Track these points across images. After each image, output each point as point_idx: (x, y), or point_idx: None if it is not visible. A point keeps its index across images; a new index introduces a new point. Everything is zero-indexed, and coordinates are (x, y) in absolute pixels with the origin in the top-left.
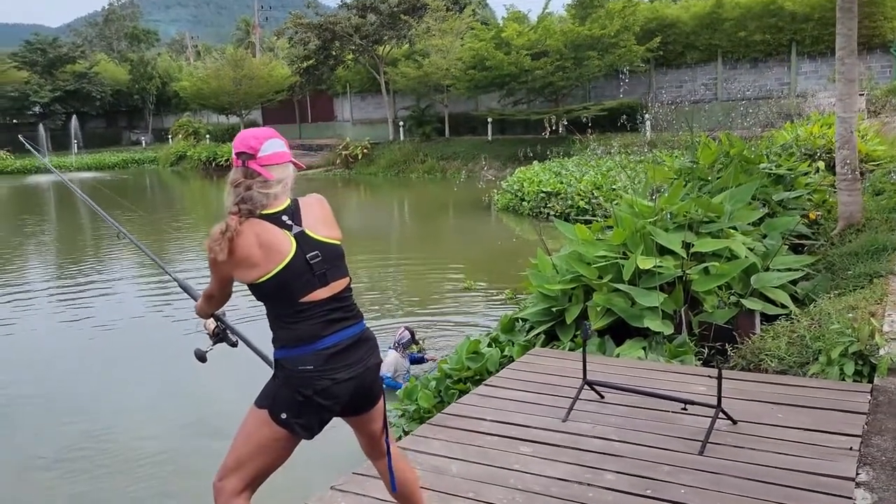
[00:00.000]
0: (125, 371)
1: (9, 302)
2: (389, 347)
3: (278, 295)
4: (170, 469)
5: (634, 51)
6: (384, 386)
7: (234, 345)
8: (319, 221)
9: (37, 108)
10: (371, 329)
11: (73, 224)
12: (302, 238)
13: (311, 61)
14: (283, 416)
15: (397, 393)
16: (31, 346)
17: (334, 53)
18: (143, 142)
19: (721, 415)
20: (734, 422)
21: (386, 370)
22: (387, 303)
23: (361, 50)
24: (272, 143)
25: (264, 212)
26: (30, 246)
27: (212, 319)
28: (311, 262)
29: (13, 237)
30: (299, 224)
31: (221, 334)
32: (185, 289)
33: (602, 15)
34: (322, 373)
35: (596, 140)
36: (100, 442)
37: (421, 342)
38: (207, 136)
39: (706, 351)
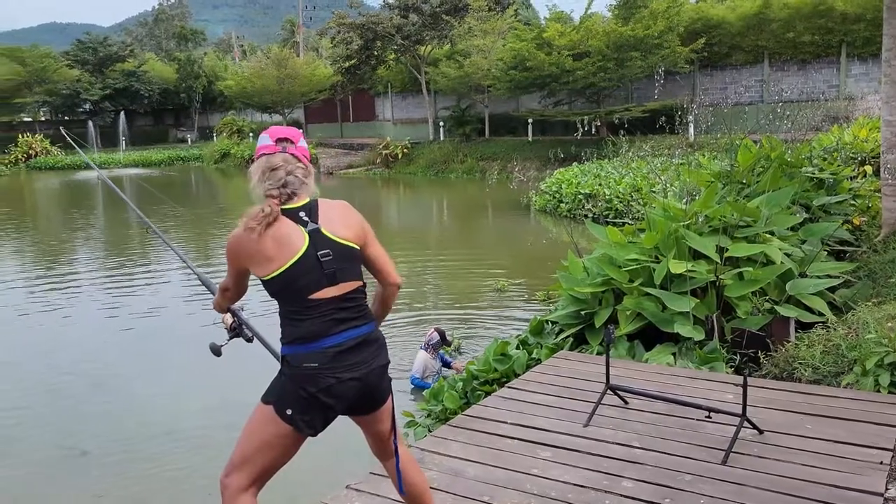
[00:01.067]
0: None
1: (55, 290)
2: (420, 348)
3: (287, 290)
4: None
5: (678, 52)
6: (412, 386)
7: (249, 340)
8: (337, 222)
9: (87, 106)
10: (381, 331)
11: (118, 218)
12: (316, 235)
13: (353, 61)
14: (289, 412)
15: (424, 393)
16: (80, 331)
17: (376, 53)
18: (189, 139)
19: (746, 424)
20: (760, 431)
21: (414, 370)
22: (420, 301)
23: (403, 50)
24: (302, 141)
25: (284, 206)
26: (77, 238)
27: (229, 315)
28: (322, 259)
29: (63, 230)
30: (315, 221)
31: (238, 329)
32: (206, 284)
33: (646, 15)
34: (327, 371)
35: (637, 141)
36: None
37: (458, 341)
38: (251, 134)
39: (738, 358)
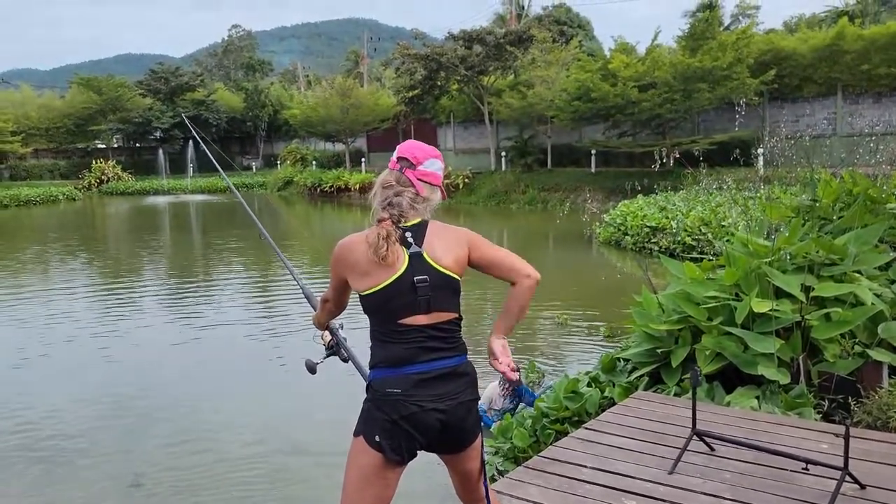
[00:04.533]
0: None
1: (125, 314)
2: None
3: (379, 311)
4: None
5: (748, 83)
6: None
7: (345, 360)
8: (442, 248)
9: (158, 133)
10: (472, 364)
11: (187, 240)
12: (416, 259)
13: (416, 91)
14: (377, 437)
15: (491, 429)
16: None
17: (439, 83)
18: (254, 167)
19: (848, 478)
20: (862, 486)
21: (481, 402)
22: (479, 334)
23: (466, 80)
24: (433, 163)
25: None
26: (146, 258)
27: (328, 332)
28: (418, 284)
29: (134, 249)
30: (419, 244)
31: (335, 348)
32: (308, 297)
33: (714, 46)
34: (408, 398)
35: (706, 174)
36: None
37: (539, 374)
38: (314, 162)
39: (826, 404)
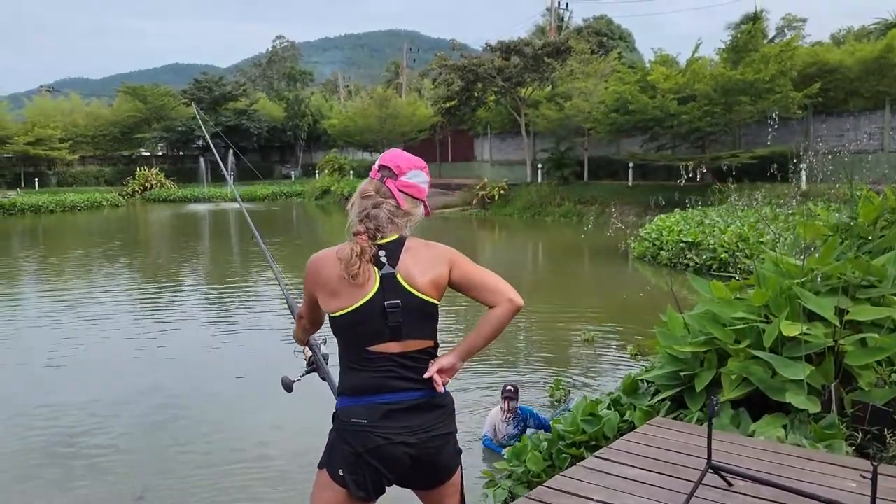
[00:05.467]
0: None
1: (166, 306)
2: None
3: (347, 335)
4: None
5: (791, 96)
6: (483, 445)
7: (324, 379)
8: (420, 269)
9: (200, 142)
10: (450, 395)
11: (224, 246)
12: (388, 281)
13: (453, 102)
14: (340, 472)
15: (503, 453)
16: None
17: (476, 94)
18: (293, 175)
19: None
20: None
21: (485, 431)
22: (502, 350)
23: (503, 91)
24: (418, 174)
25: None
26: (184, 263)
27: (308, 348)
28: (389, 310)
29: (174, 254)
30: (393, 264)
31: (315, 365)
32: (291, 308)
33: (757, 59)
34: (375, 429)
35: (745, 189)
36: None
37: (563, 391)
38: (351, 171)
39: (859, 436)
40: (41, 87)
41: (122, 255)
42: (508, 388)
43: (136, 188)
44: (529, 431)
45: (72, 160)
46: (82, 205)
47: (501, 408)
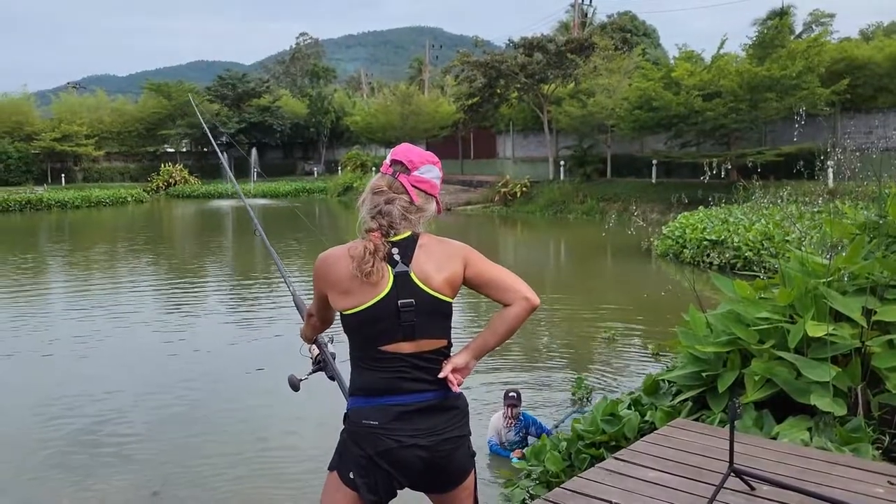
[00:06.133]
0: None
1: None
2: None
3: (358, 334)
4: None
5: (818, 93)
6: (490, 451)
7: (332, 378)
8: (434, 267)
9: (224, 138)
10: (464, 396)
11: (247, 242)
12: (402, 279)
13: (475, 98)
14: (351, 474)
15: (524, 451)
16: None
17: (499, 91)
18: (316, 172)
19: None
20: None
21: (490, 435)
22: (523, 347)
23: (526, 88)
24: (431, 169)
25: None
26: (207, 258)
27: (315, 346)
28: (402, 309)
29: (197, 249)
30: (407, 262)
31: (322, 363)
32: (298, 306)
33: (783, 55)
34: (386, 432)
35: (771, 187)
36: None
37: (584, 390)
38: (374, 168)
39: (887, 439)
40: (68, 83)
41: (146, 251)
42: (511, 393)
43: (161, 184)
44: (530, 439)
45: (97, 156)
46: (107, 201)
47: (503, 414)
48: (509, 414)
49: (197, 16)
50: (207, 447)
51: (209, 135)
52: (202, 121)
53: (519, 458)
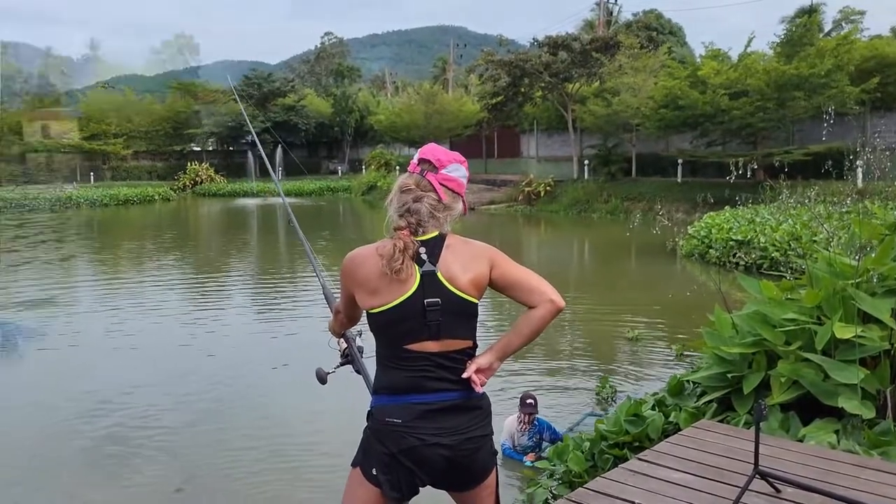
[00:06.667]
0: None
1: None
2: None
3: (385, 332)
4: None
5: (848, 92)
6: (503, 454)
7: (358, 372)
8: (461, 267)
9: (249, 137)
10: (487, 397)
11: (272, 240)
12: (428, 278)
13: (499, 97)
14: (374, 471)
15: (546, 452)
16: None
17: (523, 90)
18: (340, 171)
19: None
20: None
21: (503, 438)
22: (546, 346)
23: (550, 87)
24: (458, 168)
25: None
26: (233, 256)
27: (343, 340)
28: (428, 308)
29: (225, 246)
30: (434, 262)
31: (349, 357)
32: (326, 297)
33: (812, 53)
34: (410, 430)
35: (798, 186)
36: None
37: (610, 388)
38: (398, 167)
39: None
40: (97, 83)
41: (174, 248)
42: (529, 400)
43: (187, 183)
44: (544, 445)
45: (125, 155)
46: (135, 199)
47: (519, 418)
48: (525, 420)
49: (222, 16)
50: (233, 442)
51: (249, 125)
52: (241, 107)
53: (532, 462)
